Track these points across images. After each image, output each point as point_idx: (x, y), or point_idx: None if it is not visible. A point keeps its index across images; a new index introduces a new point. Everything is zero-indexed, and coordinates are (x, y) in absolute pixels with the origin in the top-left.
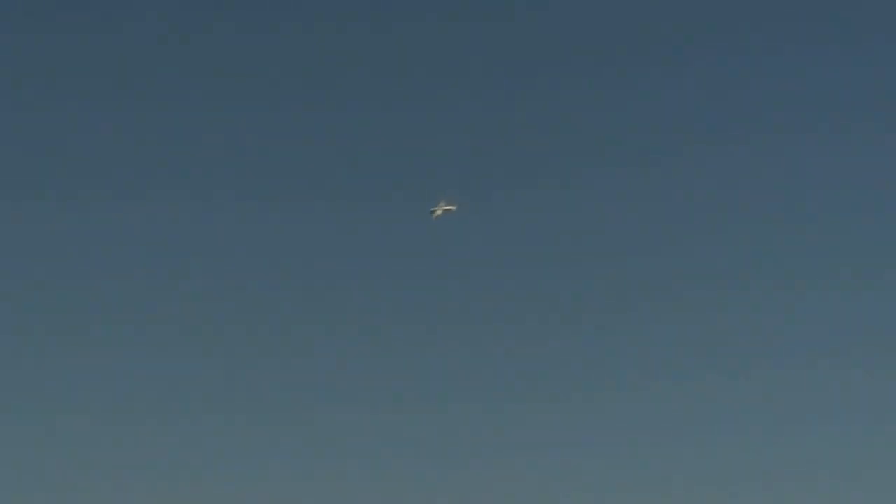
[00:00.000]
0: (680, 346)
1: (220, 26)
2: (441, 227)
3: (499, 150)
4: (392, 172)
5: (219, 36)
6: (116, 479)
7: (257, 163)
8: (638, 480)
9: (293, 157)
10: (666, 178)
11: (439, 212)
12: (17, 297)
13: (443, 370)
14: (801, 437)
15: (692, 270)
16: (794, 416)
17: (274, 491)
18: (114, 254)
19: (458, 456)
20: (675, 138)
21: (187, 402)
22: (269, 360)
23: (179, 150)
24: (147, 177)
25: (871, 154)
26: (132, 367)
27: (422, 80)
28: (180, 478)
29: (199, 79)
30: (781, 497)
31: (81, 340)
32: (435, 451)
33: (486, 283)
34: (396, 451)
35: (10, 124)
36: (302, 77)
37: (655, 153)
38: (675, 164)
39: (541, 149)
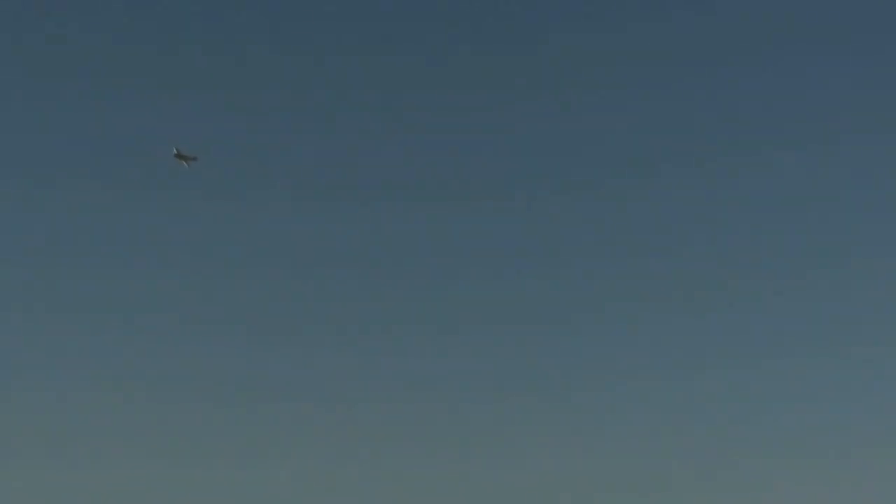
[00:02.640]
0: (678, 345)
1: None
2: (439, 226)
3: (499, 154)
4: (390, 173)
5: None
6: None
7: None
8: (637, 478)
9: (294, 153)
10: (664, 182)
11: (184, 162)
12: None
13: (443, 370)
14: (798, 433)
15: (689, 272)
16: (792, 412)
17: (276, 485)
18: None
19: (458, 453)
20: (673, 142)
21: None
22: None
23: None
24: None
25: (872, 159)
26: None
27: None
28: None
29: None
30: (782, 492)
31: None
32: (434, 449)
33: (486, 282)
34: (393, 450)
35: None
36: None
37: (657, 157)
38: (672, 167)
39: (542, 152)
